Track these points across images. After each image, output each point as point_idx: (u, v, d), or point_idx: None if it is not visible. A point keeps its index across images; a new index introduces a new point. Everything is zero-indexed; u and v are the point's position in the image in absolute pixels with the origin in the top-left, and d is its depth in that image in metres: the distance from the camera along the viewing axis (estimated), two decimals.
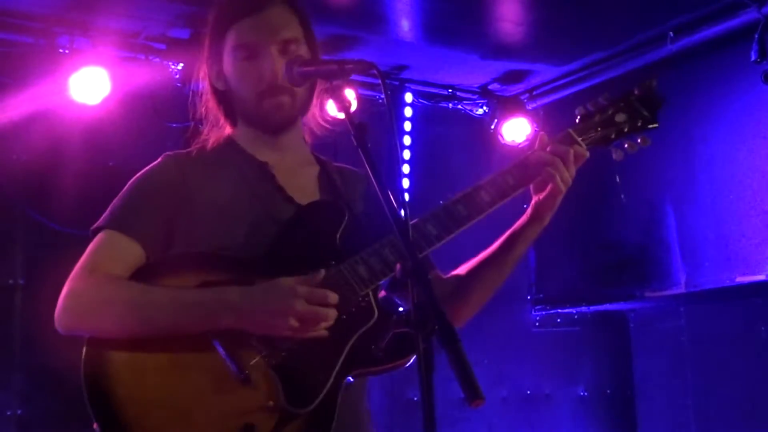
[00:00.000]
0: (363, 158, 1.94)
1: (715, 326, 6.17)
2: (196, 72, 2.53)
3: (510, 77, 6.30)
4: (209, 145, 2.47)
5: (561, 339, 6.86)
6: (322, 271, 2.18)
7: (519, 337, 6.72)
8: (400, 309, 2.39)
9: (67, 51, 5.04)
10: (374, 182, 1.90)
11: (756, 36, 5.04)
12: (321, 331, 2.14)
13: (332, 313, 2.14)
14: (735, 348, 5.96)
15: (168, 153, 2.46)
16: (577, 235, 6.49)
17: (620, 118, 2.45)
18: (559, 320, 6.87)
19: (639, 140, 2.47)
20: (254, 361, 2.13)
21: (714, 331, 6.17)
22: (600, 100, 2.47)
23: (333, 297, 2.14)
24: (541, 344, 6.79)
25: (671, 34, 5.39)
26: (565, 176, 2.35)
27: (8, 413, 4.94)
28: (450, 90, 6.42)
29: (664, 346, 6.60)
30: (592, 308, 6.64)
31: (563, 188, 2.36)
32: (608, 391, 6.98)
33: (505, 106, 6.43)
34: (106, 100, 5.09)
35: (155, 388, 2.12)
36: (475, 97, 6.53)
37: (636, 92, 2.48)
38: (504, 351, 6.52)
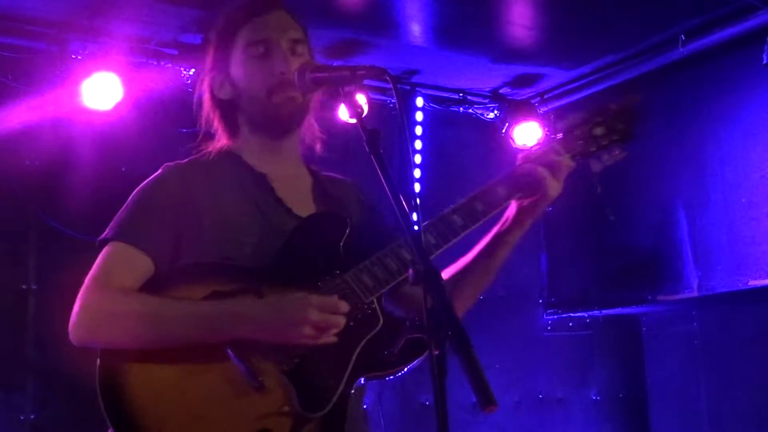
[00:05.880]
0: (375, 164, 1.94)
1: (728, 330, 6.15)
2: (198, 82, 2.55)
3: (521, 81, 6.30)
4: (208, 156, 2.48)
5: (573, 343, 6.85)
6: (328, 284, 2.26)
7: (531, 341, 6.71)
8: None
9: (79, 57, 5.06)
10: (386, 187, 1.91)
11: (767, 39, 5.03)
12: (331, 338, 2.19)
13: (342, 321, 2.20)
14: (748, 352, 5.93)
15: (168, 164, 2.47)
16: (589, 239, 6.47)
17: (598, 131, 2.50)
18: (571, 324, 6.85)
19: (617, 152, 2.51)
20: (267, 367, 2.17)
21: (727, 334, 6.15)
22: (578, 116, 2.54)
23: (344, 305, 2.21)
24: (553, 348, 6.78)
25: (682, 37, 5.38)
26: (555, 185, 2.40)
27: (21, 418, 4.96)
28: (461, 94, 6.42)
29: (676, 349, 6.58)
30: (605, 312, 6.62)
31: (553, 196, 2.41)
32: (621, 395, 6.96)
33: (517, 109, 6.43)
34: (118, 105, 5.11)
35: (170, 397, 2.15)
36: (486, 101, 6.53)
37: (613, 107, 2.52)
38: (516, 355, 6.51)
